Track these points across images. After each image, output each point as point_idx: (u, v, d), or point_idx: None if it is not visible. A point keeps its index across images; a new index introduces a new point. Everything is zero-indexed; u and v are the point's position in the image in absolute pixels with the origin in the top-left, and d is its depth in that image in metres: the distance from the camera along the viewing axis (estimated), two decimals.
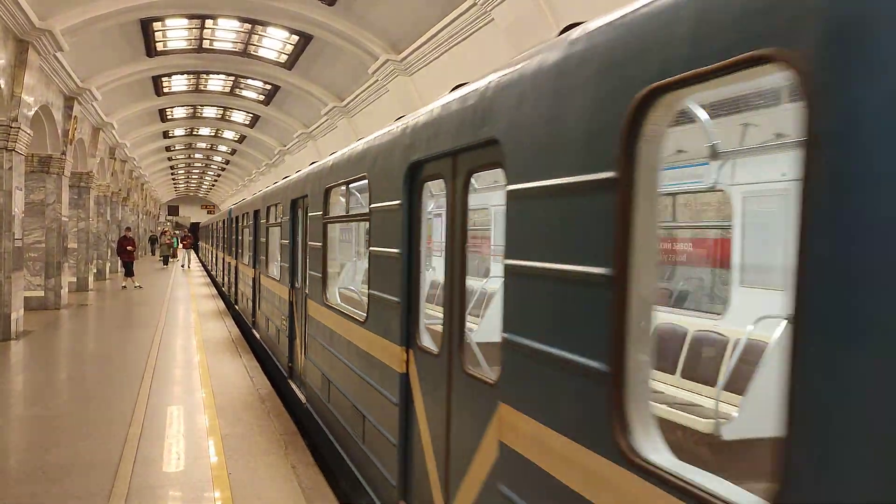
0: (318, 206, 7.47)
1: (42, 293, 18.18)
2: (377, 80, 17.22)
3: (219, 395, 9.42)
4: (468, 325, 3.88)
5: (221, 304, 21.05)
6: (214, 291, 25.65)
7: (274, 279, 11.44)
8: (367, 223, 5.47)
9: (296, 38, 18.62)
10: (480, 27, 12.42)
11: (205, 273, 36.86)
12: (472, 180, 3.79)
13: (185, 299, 22.42)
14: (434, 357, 4.14)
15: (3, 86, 13.19)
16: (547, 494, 2.71)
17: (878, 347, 1.40)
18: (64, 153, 18.47)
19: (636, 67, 2.23)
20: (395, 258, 4.67)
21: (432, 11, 13.38)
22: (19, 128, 13.70)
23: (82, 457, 6.86)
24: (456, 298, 3.87)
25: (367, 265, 5.52)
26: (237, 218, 19.29)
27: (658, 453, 2.17)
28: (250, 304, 15.14)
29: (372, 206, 5.34)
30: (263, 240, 13.43)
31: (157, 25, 18.38)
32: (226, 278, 23.50)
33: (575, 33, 2.74)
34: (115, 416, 8.25)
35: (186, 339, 14.25)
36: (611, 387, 2.29)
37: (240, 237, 18.50)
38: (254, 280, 14.57)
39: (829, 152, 1.52)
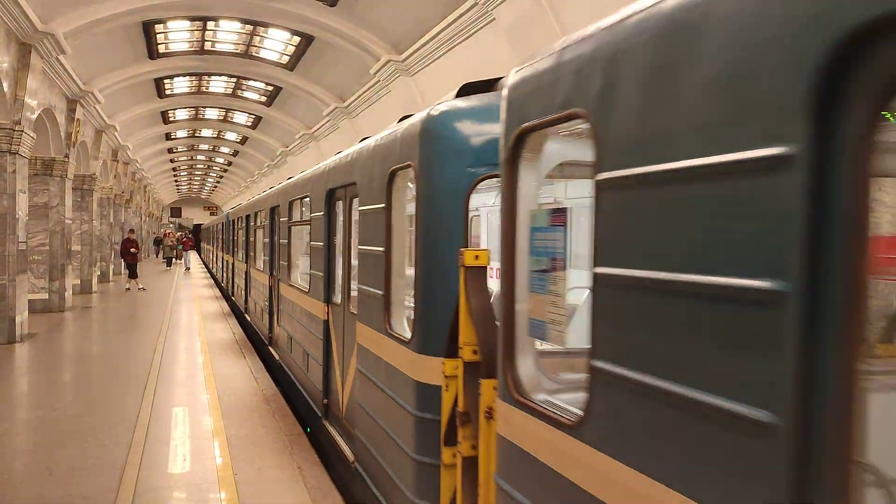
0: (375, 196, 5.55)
1: (46, 296, 18.23)
2: (379, 81, 17.24)
3: (224, 396, 9.44)
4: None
5: (225, 306, 21.09)
6: (217, 293, 25.70)
7: (301, 290, 9.20)
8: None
9: (297, 39, 18.65)
10: (482, 27, 12.43)
11: (208, 275, 36.91)
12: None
13: (189, 300, 22.47)
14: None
15: (6, 89, 13.23)
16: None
17: None
18: (67, 156, 18.51)
19: None
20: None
21: (433, 11, 13.39)
22: (23, 131, 13.73)
23: (88, 458, 6.89)
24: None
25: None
26: (248, 217, 17.34)
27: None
28: (266, 317, 13.22)
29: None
30: (284, 241, 11.05)
31: (158, 27, 18.42)
32: (232, 282, 22.38)
33: None
34: (120, 418, 8.27)
35: (190, 341, 14.28)
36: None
37: (251, 238, 16.68)
38: (271, 289, 12.76)
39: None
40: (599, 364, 2.29)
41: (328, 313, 7.49)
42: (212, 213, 69.45)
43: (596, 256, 2.31)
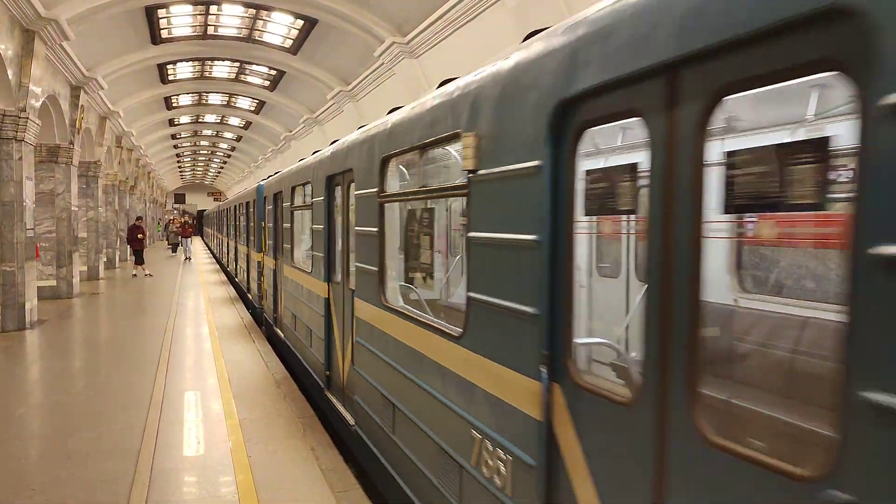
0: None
1: (54, 283, 18.31)
2: (383, 63, 17.15)
3: (234, 380, 9.50)
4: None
5: (232, 291, 21.15)
6: (224, 278, 25.76)
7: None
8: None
9: (301, 22, 18.56)
10: (487, 7, 12.33)
11: (213, 260, 36.96)
12: None
13: (196, 286, 22.53)
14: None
15: (10, 76, 13.20)
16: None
17: None
18: (72, 143, 18.51)
19: None
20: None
21: None
22: (28, 118, 13.73)
23: (104, 442, 6.95)
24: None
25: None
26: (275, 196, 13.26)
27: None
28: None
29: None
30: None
31: (161, 12, 18.34)
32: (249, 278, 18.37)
33: None
34: (133, 402, 8.34)
35: (199, 326, 14.34)
36: None
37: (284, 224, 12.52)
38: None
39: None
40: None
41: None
42: (216, 199, 69.48)
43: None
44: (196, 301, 18.54)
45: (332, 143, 8.45)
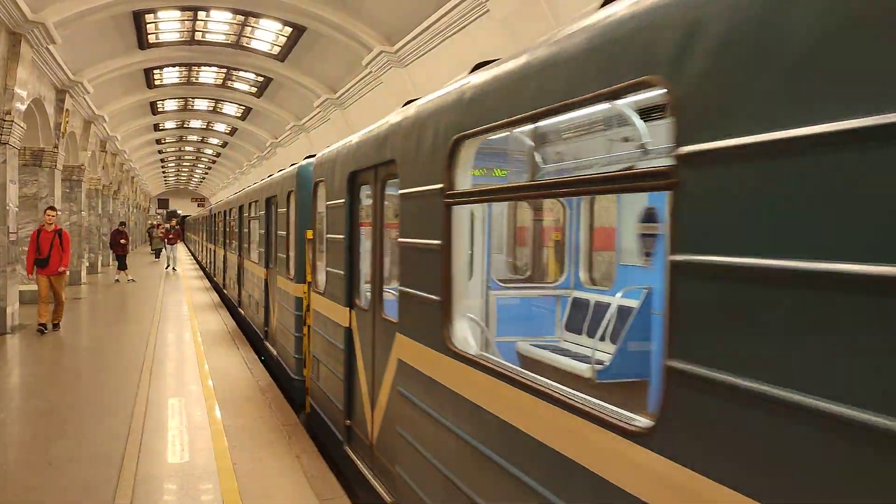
0: None
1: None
2: (371, 72, 17.20)
3: (218, 387, 9.46)
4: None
5: (216, 297, 21.05)
6: (208, 284, 25.62)
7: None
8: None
9: (289, 29, 18.59)
10: (475, 18, 12.42)
11: (196, 266, 36.73)
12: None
13: (179, 291, 22.40)
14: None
15: None
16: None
17: None
18: (56, 146, 18.37)
19: None
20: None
21: (427, 2, 13.37)
22: (13, 121, 13.63)
23: (87, 448, 6.90)
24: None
25: None
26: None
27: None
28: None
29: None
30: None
31: (149, 17, 18.32)
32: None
33: None
34: (116, 409, 8.28)
35: (182, 332, 14.26)
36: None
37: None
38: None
39: None
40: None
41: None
42: (199, 205, 69.11)
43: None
44: (179, 307, 18.43)
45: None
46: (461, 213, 4.04)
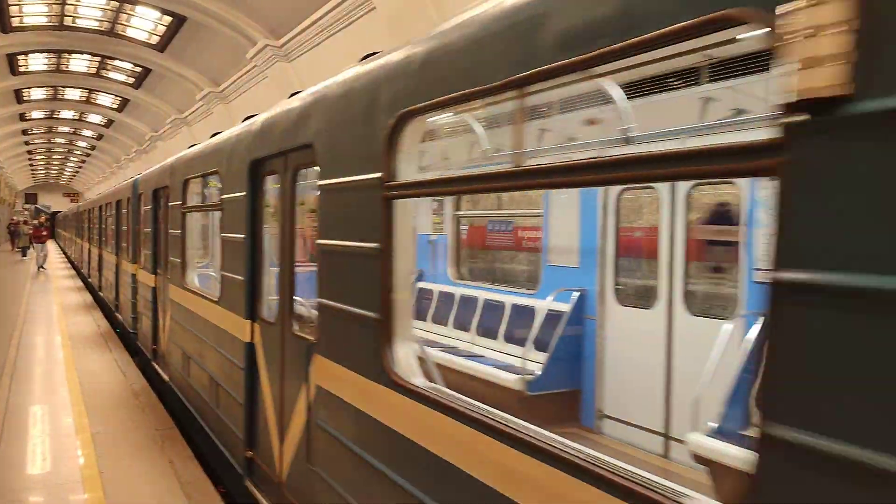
0: None
1: None
2: (256, 66, 16.81)
3: (88, 391, 8.96)
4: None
5: (88, 297, 19.93)
6: (80, 283, 24.22)
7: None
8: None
9: (168, 18, 17.88)
10: (362, 15, 12.38)
11: (69, 265, 34.63)
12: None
13: (48, 292, 21.05)
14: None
15: None
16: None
17: None
18: None
19: None
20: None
21: None
22: None
23: None
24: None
25: None
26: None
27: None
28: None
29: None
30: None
31: None
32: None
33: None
34: None
35: (50, 334, 13.41)
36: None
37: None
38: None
39: None
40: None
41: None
42: (72, 200, 65.21)
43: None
44: (47, 307, 17.33)
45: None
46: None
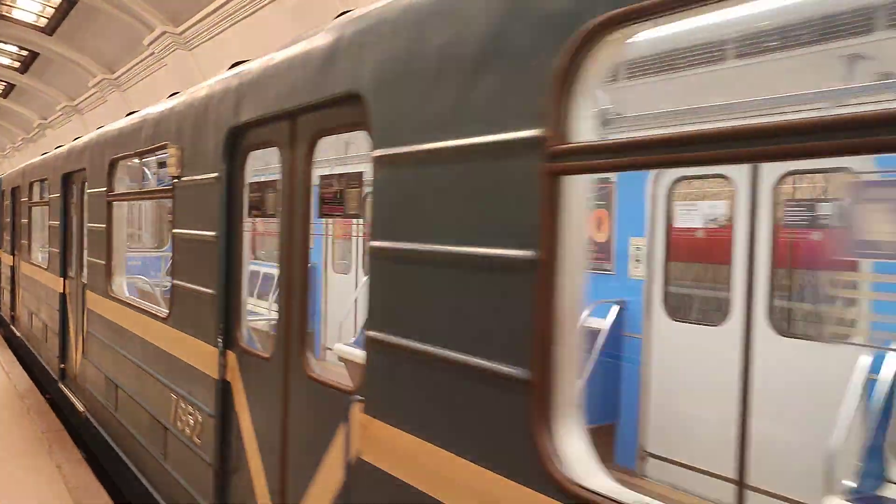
0: None
1: None
2: (153, 53, 16.15)
3: None
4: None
5: None
6: None
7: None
8: None
9: (57, 0, 16.91)
10: (265, 4, 12.09)
11: None
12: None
13: None
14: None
15: None
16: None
17: None
18: None
19: None
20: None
21: None
22: None
23: None
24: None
25: None
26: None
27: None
28: None
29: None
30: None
31: None
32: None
33: None
34: None
35: None
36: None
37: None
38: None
39: None
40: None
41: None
42: None
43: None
44: None
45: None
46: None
